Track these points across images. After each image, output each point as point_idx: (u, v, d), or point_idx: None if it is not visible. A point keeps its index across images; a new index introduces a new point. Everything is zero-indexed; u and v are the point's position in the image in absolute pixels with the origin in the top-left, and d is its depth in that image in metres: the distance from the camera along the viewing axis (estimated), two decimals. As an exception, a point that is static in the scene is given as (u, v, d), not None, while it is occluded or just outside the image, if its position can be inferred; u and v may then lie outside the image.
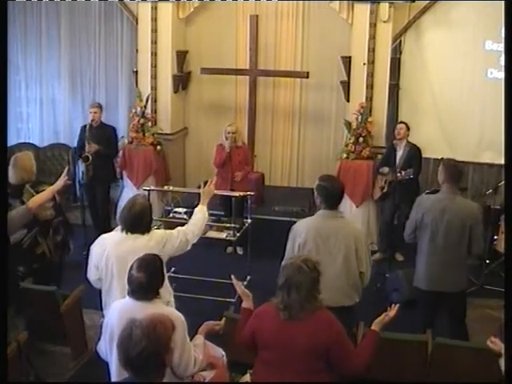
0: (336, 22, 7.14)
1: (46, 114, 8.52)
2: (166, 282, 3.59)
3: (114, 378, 3.04)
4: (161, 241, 3.58)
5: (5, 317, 3.24)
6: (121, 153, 7.44)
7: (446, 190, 4.30)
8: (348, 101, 7.17)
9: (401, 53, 7.18)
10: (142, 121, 7.38)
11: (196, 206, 6.25)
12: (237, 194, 5.92)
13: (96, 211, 6.90)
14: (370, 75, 6.90)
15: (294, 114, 7.76)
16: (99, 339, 3.21)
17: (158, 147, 7.46)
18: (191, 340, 3.10)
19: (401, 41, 7.12)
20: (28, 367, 3.81)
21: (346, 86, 7.13)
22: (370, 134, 6.92)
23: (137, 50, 7.67)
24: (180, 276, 5.51)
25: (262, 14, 7.47)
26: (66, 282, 5.03)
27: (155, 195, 6.90)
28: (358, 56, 6.92)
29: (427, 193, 6.14)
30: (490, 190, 6.42)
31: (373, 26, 6.79)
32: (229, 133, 6.42)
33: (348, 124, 7.01)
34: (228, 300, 5.28)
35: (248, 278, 5.76)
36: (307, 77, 7.16)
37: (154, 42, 7.45)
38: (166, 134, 7.65)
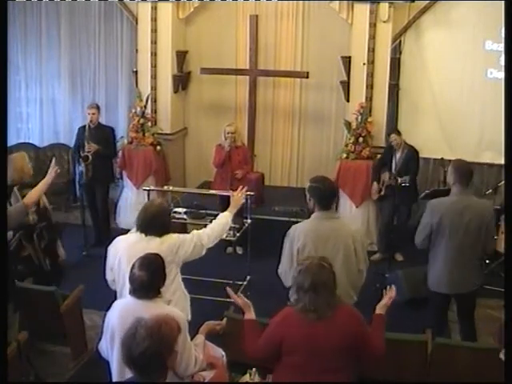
0: (336, 22, 7.13)
1: (46, 114, 8.51)
2: (182, 286, 3.63)
3: (114, 378, 3.04)
4: (173, 245, 3.55)
5: (5, 317, 3.24)
6: (120, 153, 7.44)
7: (460, 191, 4.23)
8: (348, 101, 7.17)
9: (401, 53, 7.17)
10: (141, 121, 7.38)
11: (196, 205, 6.29)
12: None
13: (96, 211, 6.90)
14: (370, 75, 6.90)
15: (293, 114, 7.75)
16: (100, 339, 3.22)
17: (158, 147, 7.45)
18: (192, 340, 3.11)
19: (401, 41, 7.11)
20: (28, 367, 3.81)
21: (346, 86, 7.13)
22: (369, 133, 6.92)
23: (137, 50, 7.67)
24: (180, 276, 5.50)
25: (262, 14, 7.46)
26: (65, 281, 5.02)
27: (155, 195, 6.89)
28: (358, 56, 6.92)
29: (427, 193, 6.16)
30: (490, 190, 6.43)
31: (373, 26, 6.79)
32: (228, 133, 6.42)
33: (348, 124, 7.01)
34: (228, 300, 5.27)
35: (248, 277, 5.76)
36: (307, 77, 7.16)
37: (154, 42, 7.44)
38: (166, 134, 7.65)
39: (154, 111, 7.60)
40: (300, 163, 7.90)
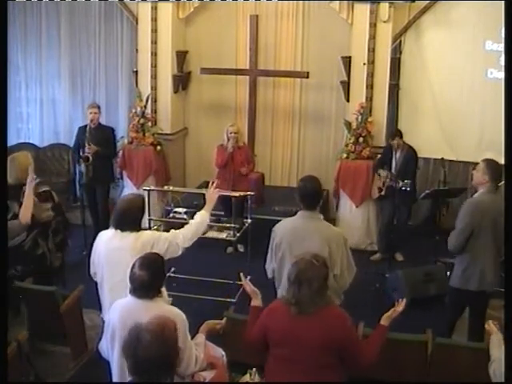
0: (336, 22, 7.13)
1: (46, 114, 8.51)
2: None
3: (115, 377, 3.04)
4: (148, 242, 3.54)
5: (5, 317, 3.24)
6: (121, 153, 7.44)
7: (492, 190, 4.27)
8: (348, 101, 7.17)
9: (401, 53, 7.18)
10: (142, 121, 7.38)
11: (196, 205, 6.29)
12: (237, 193, 5.92)
13: (96, 211, 6.90)
14: (370, 75, 6.90)
15: (294, 114, 7.75)
16: (100, 339, 3.22)
17: (158, 147, 7.45)
18: (192, 339, 3.11)
19: (401, 41, 7.12)
20: (28, 367, 3.80)
21: (346, 86, 7.13)
22: (369, 133, 6.92)
23: (137, 50, 7.67)
24: (180, 276, 5.51)
25: (262, 14, 7.46)
26: (65, 281, 5.02)
27: (155, 195, 6.90)
28: (358, 56, 6.92)
29: (427, 193, 6.15)
30: (490, 190, 6.40)
31: (373, 26, 6.79)
32: (231, 133, 6.43)
33: (348, 124, 7.01)
34: (228, 300, 5.28)
35: (248, 277, 5.74)
36: (307, 77, 7.16)
37: (154, 42, 7.44)
38: (166, 134, 7.65)
39: (154, 111, 7.60)
40: (300, 163, 7.90)
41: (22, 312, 4.45)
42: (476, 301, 4.47)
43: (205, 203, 4.09)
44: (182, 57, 7.71)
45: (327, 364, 2.98)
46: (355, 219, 6.95)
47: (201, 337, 3.22)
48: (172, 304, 3.43)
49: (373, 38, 6.82)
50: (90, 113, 6.65)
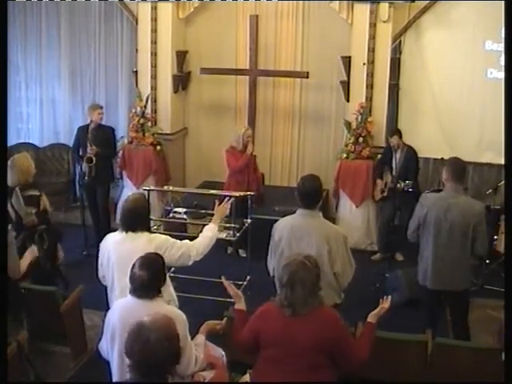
0: (336, 22, 7.13)
1: (46, 114, 8.51)
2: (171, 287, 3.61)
3: (115, 377, 3.04)
4: (161, 247, 3.55)
5: (5, 317, 3.24)
6: (121, 153, 7.45)
7: (450, 189, 4.28)
8: (348, 101, 7.17)
9: (401, 53, 7.17)
10: (141, 121, 7.38)
11: (195, 206, 6.29)
12: (237, 194, 5.92)
13: (96, 211, 6.90)
14: (370, 75, 6.90)
15: (293, 114, 7.75)
16: (100, 339, 3.22)
17: (158, 147, 7.45)
18: (192, 339, 3.11)
19: (401, 41, 7.11)
20: (28, 367, 3.80)
21: (346, 85, 7.13)
22: (369, 133, 6.92)
23: (137, 50, 7.67)
24: (180, 276, 5.50)
25: (262, 14, 7.46)
26: (68, 283, 5.02)
27: (155, 195, 6.89)
28: (358, 56, 6.92)
29: (427, 193, 6.15)
30: (490, 190, 6.42)
31: (373, 26, 6.79)
32: (248, 137, 6.44)
33: (348, 124, 7.01)
34: (228, 300, 5.27)
35: (248, 277, 5.76)
36: (307, 77, 7.16)
37: (154, 42, 7.44)
38: (166, 134, 7.65)
39: (154, 111, 7.60)
40: (300, 163, 7.89)
41: (22, 312, 4.44)
42: (449, 301, 4.46)
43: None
44: (181, 57, 7.71)
45: (319, 364, 2.98)
46: (355, 219, 6.95)
47: (201, 337, 3.22)
48: (178, 304, 3.45)
49: (373, 38, 6.82)
50: (99, 113, 6.66)
